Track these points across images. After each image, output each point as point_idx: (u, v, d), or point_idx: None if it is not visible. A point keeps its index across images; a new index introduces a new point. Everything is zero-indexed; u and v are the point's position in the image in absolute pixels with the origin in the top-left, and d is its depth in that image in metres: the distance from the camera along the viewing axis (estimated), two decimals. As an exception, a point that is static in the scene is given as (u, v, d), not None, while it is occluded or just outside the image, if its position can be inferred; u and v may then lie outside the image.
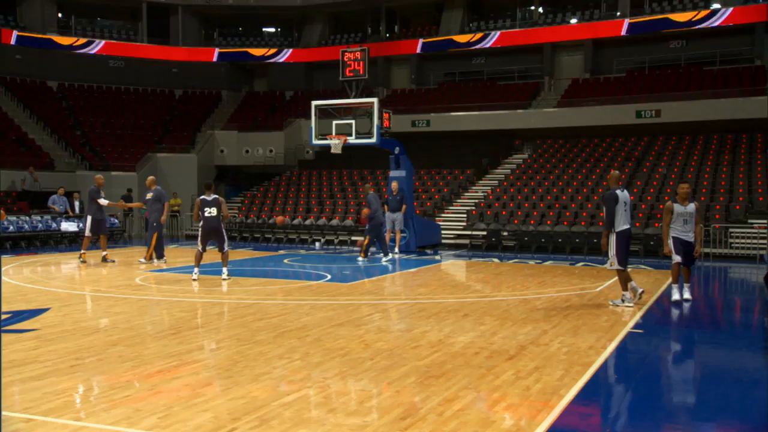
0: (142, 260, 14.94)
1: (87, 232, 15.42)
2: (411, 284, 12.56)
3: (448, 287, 12.05)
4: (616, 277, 9.90)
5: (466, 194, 24.49)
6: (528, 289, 11.44)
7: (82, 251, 15.32)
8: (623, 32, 28.09)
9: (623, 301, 9.52)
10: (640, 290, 9.74)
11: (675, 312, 9.70)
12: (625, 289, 9.58)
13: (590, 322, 8.36)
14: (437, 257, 17.57)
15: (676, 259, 9.76)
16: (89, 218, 15.30)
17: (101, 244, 15.65)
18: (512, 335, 7.49)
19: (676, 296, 9.89)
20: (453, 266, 15.85)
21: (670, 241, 9.71)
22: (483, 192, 24.17)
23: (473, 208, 22.38)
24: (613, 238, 9.45)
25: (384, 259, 15.98)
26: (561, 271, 14.21)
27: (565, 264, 15.80)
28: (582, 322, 8.39)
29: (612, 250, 9.44)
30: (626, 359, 6.80)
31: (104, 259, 15.12)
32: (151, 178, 15.57)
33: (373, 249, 16.43)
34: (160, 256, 15.01)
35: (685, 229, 9.68)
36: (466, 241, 20.32)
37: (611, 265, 9.50)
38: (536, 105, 28.44)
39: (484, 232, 20.09)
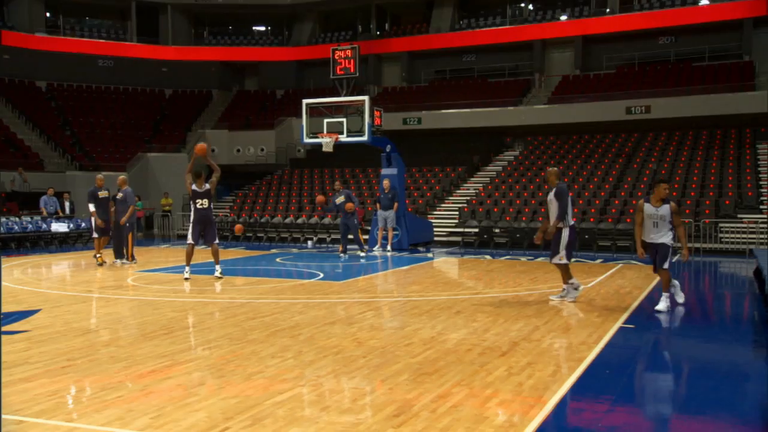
0: (126, 261, 14.84)
1: (94, 234, 15.02)
2: (403, 282, 12.57)
3: (441, 284, 12.06)
4: (605, 274, 9.92)
5: (457, 191, 24.52)
6: (520, 286, 11.47)
7: (96, 254, 14.77)
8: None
9: (565, 295, 9.51)
10: (581, 287, 9.61)
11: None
12: (565, 282, 9.59)
13: (582, 318, 8.40)
14: (429, 255, 17.59)
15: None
16: (92, 219, 14.99)
17: (95, 245, 15.51)
18: (504, 332, 7.51)
19: (680, 299, 9.18)
20: (445, 263, 15.86)
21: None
22: (474, 189, 24.20)
23: (465, 205, 22.41)
24: (566, 233, 9.41)
25: (342, 255, 16.22)
26: (552, 268, 14.16)
27: (557, 260, 15.82)
28: (574, 318, 8.43)
29: (563, 243, 9.39)
30: (618, 355, 6.83)
31: (95, 258, 15.01)
32: (121, 177, 15.36)
33: (365, 247, 16.48)
34: (119, 256, 14.74)
35: (651, 233, 8.71)
36: (458, 239, 20.36)
37: (560, 260, 9.42)
38: (527, 102, 28.52)
39: (476, 229, 20.13)
